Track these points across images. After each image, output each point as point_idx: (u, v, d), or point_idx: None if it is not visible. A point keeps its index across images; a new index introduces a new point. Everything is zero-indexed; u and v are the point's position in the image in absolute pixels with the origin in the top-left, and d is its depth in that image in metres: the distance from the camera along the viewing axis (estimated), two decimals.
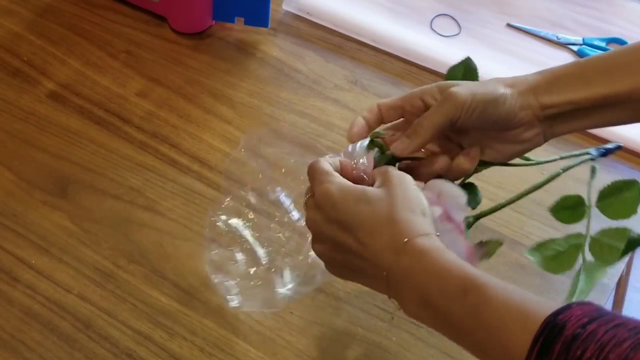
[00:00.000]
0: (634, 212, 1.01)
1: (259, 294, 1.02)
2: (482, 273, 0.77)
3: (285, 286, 1.01)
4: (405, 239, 0.81)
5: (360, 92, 1.38)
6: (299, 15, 1.51)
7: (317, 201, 0.88)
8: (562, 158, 1.05)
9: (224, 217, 1.07)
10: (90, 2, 1.49)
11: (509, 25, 1.53)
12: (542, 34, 1.51)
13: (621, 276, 1.22)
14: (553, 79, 0.94)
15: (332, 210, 0.86)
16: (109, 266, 1.11)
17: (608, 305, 1.61)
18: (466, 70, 1.05)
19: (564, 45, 1.49)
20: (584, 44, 1.49)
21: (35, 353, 1.02)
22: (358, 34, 1.48)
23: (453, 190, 0.93)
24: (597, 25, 1.55)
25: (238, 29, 1.47)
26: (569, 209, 1.04)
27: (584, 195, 1.03)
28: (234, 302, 1.02)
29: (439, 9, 1.54)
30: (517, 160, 1.00)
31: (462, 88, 0.91)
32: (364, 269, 0.84)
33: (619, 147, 1.09)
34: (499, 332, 0.73)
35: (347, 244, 0.85)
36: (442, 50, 1.43)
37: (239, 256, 1.04)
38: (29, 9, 1.48)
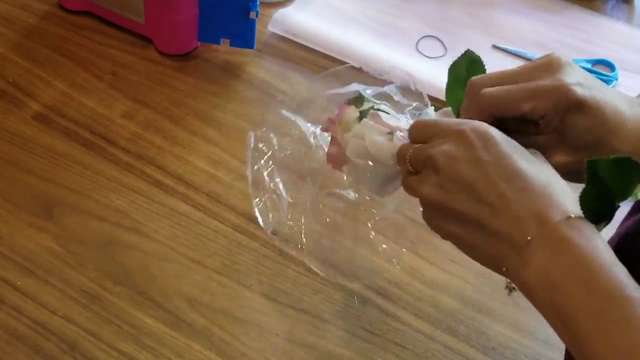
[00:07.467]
0: None
1: None
2: (635, 285, 0.68)
3: None
4: (568, 215, 0.72)
5: None
6: (285, 37, 1.51)
7: (465, 139, 0.77)
8: None
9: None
10: (76, 23, 1.49)
11: (495, 47, 1.54)
12: (528, 55, 1.51)
13: None
14: None
15: (485, 151, 0.76)
16: (94, 288, 1.11)
17: None
18: (469, 63, 0.95)
19: None
20: None
21: None
22: (344, 55, 1.48)
23: None
24: (583, 47, 1.56)
25: (224, 50, 1.47)
26: None
27: None
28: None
29: (424, 30, 1.55)
30: None
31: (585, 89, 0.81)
32: (495, 228, 0.74)
33: None
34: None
35: (488, 193, 0.74)
36: (428, 72, 1.43)
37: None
38: (15, 30, 1.48)
